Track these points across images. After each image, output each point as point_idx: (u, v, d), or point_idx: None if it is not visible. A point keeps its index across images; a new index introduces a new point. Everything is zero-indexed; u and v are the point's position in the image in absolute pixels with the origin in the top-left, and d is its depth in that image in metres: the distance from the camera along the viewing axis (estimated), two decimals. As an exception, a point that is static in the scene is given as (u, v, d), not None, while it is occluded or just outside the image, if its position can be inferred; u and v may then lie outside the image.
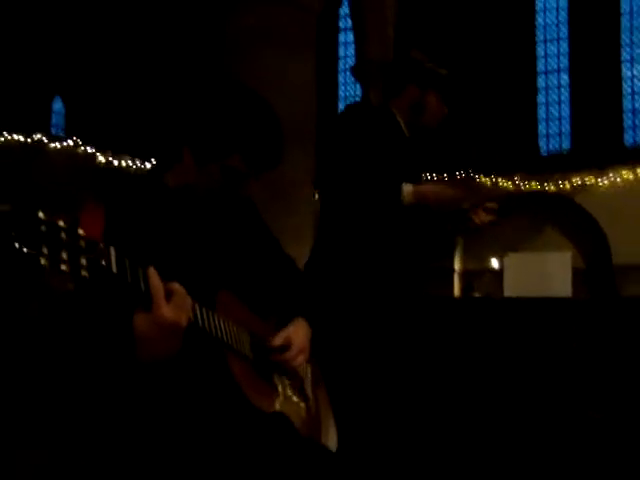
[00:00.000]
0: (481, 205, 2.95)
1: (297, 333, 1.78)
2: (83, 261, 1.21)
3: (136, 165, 15.16)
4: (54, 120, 19.91)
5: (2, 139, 14.01)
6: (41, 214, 1.15)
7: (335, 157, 2.82)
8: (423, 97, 2.96)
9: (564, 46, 17.84)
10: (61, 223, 1.18)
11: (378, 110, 3.03)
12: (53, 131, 18.93)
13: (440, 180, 16.14)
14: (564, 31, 17.87)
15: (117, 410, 1.53)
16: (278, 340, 1.73)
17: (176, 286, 1.41)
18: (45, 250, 1.14)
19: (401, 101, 2.99)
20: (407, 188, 2.80)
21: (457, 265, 17.66)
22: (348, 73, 18.48)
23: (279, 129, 1.70)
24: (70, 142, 14.43)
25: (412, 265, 2.97)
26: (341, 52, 20.65)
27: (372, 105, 3.10)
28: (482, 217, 2.90)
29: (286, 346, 1.74)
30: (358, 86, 16.50)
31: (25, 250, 1.11)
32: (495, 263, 16.94)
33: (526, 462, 4.02)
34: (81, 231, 1.23)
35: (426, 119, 3.00)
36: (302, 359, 1.79)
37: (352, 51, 18.13)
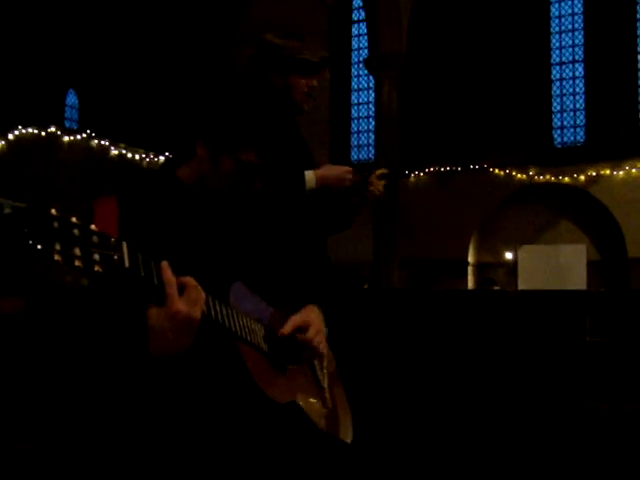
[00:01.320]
0: (373, 174, 2.98)
1: (312, 316, 1.78)
2: (96, 256, 1.21)
3: (149, 158, 15.20)
4: (68, 113, 20.01)
5: (17, 132, 14.08)
6: (54, 211, 1.16)
7: None
8: (286, 82, 2.86)
9: (579, 37, 17.71)
10: (74, 219, 1.19)
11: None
12: (67, 124, 19.02)
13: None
14: (579, 22, 17.73)
15: (131, 403, 1.54)
16: (291, 324, 1.73)
17: (189, 280, 1.41)
18: (58, 246, 1.14)
19: None
20: (309, 175, 2.80)
21: (471, 258, 17.63)
22: (361, 65, 18.44)
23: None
24: (84, 135, 14.48)
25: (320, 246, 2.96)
26: (354, 44, 20.60)
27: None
28: (377, 185, 2.93)
29: (304, 327, 1.74)
30: (371, 78, 16.46)
31: (39, 247, 1.12)
32: (509, 255, 16.92)
33: (544, 454, 4.02)
34: (94, 227, 1.23)
35: (295, 103, 2.90)
36: (320, 338, 1.78)
37: (365, 43, 18.09)
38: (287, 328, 1.72)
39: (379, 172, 2.99)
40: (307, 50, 2.82)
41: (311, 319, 1.77)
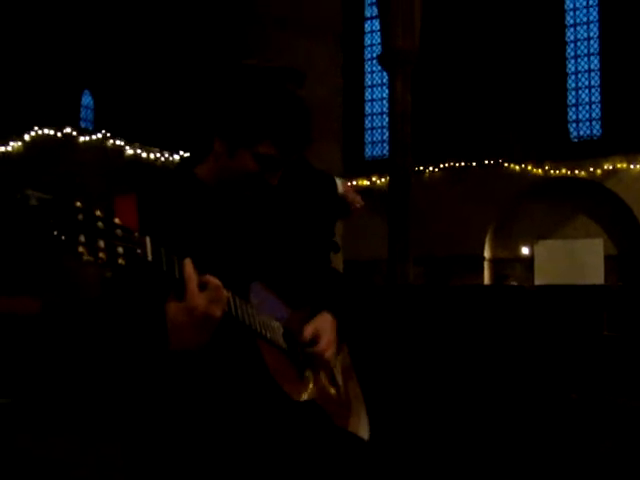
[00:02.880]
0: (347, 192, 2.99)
1: (324, 326, 1.78)
2: (120, 249, 1.22)
3: (164, 157, 15.27)
4: (83, 114, 20.13)
5: (33, 133, 14.19)
6: (79, 203, 1.17)
7: None
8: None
9: (594, 30, 17.59)
10: (98, 212, 1.20)
11: None
12: (82, 125, 19.13)
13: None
14: (594, 15, 17.62)
15: (150, 397, 1.55)
16: (307, 332, 1.74)
17: (213, 279, 1.41)
18: (83, 238, 1.15)
19: None
20: (337, 182, 2.82)
21: (487, 253, 17.57)
22: (374, 62, 18.42)
23: (306, 111, 1.70)
24: (99, 135, 14.57)
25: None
26: (367, 40, 20.58)
27: None
28: (356, 198, 2.94)
29: (315, 340, 1.74)
30: (384, 74, 16.43)
31: (63, 238, 1.13)
32: (526, 250, 16.85)
33: (560, 447, 4.01)
34: (117, 220, 1.24)
35: None
36: (332, 350, 1.79)
37: (378, 39, 18.06)
38: (306, 334, 1.73)
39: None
40: None
41: (323, 329, 1.77)
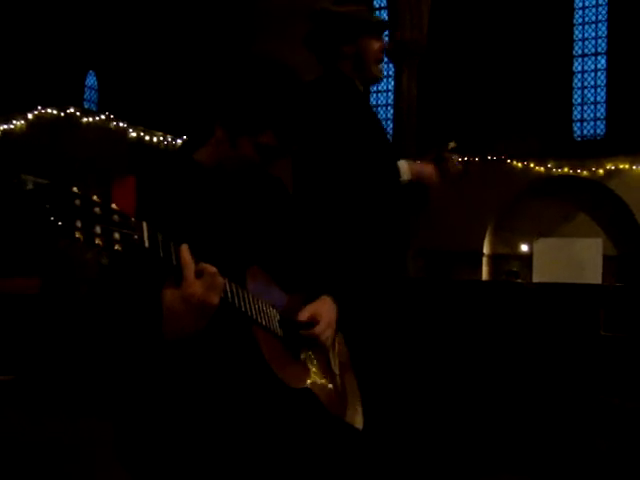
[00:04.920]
0: (445, 149, 2.91)
1: (324, 308, 1.79)
2: (116, 235, 1.22)
3: (167, 141, 15.23)
4: (87, 95, 20.07)
5: (36, 112, 14.15)
6: (75, 188, 1.16)
7: (322, 147, 2.62)
8: (358, 48, 2.78)
9: (602, 29, 17.51)
10: (95, 198, 1.20)
11: (341, 85, 2.80)
12: (86, 106, 19.08)
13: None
14: (603, 14, 17.53)
15: (145, 383, 1.55)
16: (305, 314, 1.74)
17: (209, 267, 1.41)
18: (79, 224, 1.15)
19: (344, 64, 2.81)
20: (403, 167, 2.75)
21: (487, 249, 17.56)
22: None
23: (310, 104, 1.70)
24: (102, 117, 14.53)
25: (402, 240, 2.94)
26: (374, 31, 20.46)
27: (332, 81, 2.83)
28: (452, 160, 2.87)
29: (313, 321, 1.75)
30: (391, 66, 16.37)
31: (60, 223, 1.13)
32: (525, 247, 16.84)
33: (553, 447, 4.02)
34: (114, 206, 1.24)
35: (369, 72, 2.83)
36: (330, 333, 1.80)
37: (386, 31, 17.98)
38: (304, 314, 1.74)
39: (450, 146, 2.95)
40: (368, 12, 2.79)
41: (323, 311, 1.78)
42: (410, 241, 2.96)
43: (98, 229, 1.19)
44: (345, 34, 2.74)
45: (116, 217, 1.23)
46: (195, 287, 1.38)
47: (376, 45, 2.81)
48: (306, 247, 1.94)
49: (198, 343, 1.46)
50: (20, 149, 13.57)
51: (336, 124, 2.63)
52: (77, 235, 1.15)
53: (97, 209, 1.20)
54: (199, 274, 1.39)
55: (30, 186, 1.11)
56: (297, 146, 1.69)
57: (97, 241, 1.18)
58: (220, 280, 1.42)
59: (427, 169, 2.81)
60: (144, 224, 1.29)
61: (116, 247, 1.22)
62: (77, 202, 1.16)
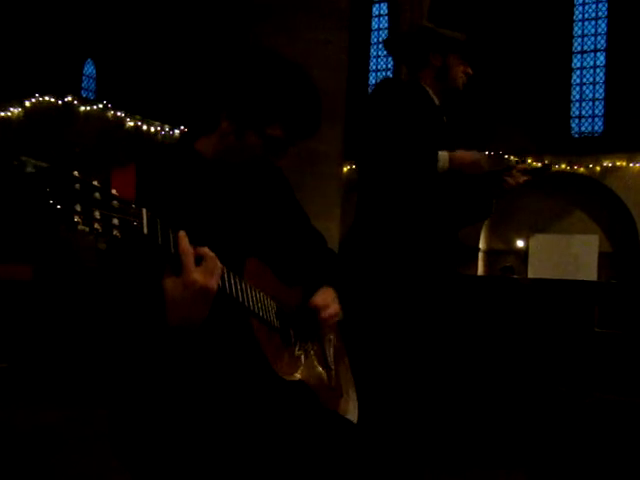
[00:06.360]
0: (517, 166, 3.00)
1: (330, 297, 1.80)
2: (115, 221, 1.21)
3: (164, 131, 15.21)
4: (85, 83, 20.02)
5: (33, 100, 14.11)
6: (76, 172, 1.16)
7: (371, 132, 2.85)
8: (445, 62, 2.98)
9: (602, 26, 17.51)
10: (95, 182, 1.19)
11: (408, 84, 3.06)
12: (84, 94, 19.04)
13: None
14: (603, 10, 17.53)
15: (145, 372, 1.55)
16: (318, 300, 1.75)
17: (207, 251, 1.41)
18: (79, 208, 1.14)
19: (426, 72, 3.01)
20: (443, 154, 2.84)
21: (482, 244, 17.59)
22: (380, 46, 18.31)
23: (317, 97, 1.70)
24: (100, 106, 14.50)
25: (451, 234, 3.02)
26: (374, 24, 20.44)
27: (402, 80, 3.12)
28: (517, 177, 2.94)
29: (320, 308, 1.76)
30: (390, 59, 16.35)
31: (59, 207, 1.12)
32: (521, 243, 16.88)
33: (548, 444, 4.03)
34: (114, 191, 1.23)
35: (452, 82, 3.03)
36: (333, 322, 1.81)
37: (386, 24, 17.96)
38: (313, 303, 1.75)
39: (523, 166, 3.01)
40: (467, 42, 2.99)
41: (330, 300, 1.79)
42: (457, 236, 3.04)
43: (97, 214, 1.18)
44: (438, 46, 2.96)
45: (116, 203, 1.22)
46: (195, 274, 1.37)
47: (462, 67, 3.04)
48: (305, 239, 1.94)
49: (197, 333, 1.46)
50: (17, 136, 13.54)
51: (386, 117, 2.85)
52: (76, 219, 1.14)
53: (97, 194, 1.19)
54: (198, 260, 1.39)
55: (30, 169, 1.10)
56: (305, 138, 1.69)
57: (96, 226, 1.17)
58: (218, 264, 1.42)
59: (468, 155, 2.89)
60: (144, 211, 1.29)
61: (115, 232, 1.21)
62: (77, 186, 1.15)
